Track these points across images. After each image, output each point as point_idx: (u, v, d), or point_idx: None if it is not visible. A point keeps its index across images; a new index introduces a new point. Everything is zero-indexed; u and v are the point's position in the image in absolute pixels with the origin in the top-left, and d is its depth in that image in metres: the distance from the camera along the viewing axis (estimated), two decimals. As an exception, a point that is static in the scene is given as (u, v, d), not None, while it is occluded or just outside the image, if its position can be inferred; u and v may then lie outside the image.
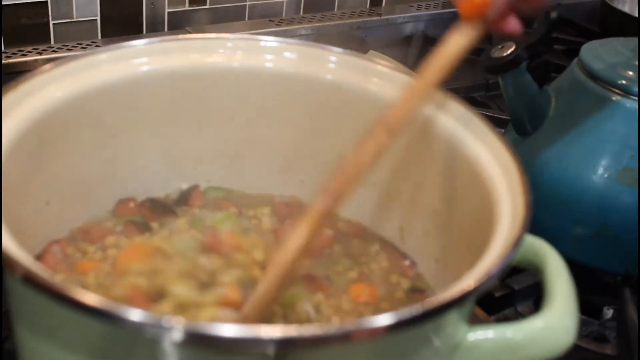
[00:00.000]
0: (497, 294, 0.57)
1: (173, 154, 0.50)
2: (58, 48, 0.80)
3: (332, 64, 0.49)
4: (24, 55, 0.78)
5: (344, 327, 0.29)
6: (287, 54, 0.49)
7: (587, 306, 0.60)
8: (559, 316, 0.35)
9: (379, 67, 0.48)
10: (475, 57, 0.83)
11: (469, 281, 0.32)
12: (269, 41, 0.49)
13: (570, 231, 0.59)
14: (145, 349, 0.30)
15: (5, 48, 0.77)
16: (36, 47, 0.79)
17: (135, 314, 0.28)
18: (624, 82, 0.57)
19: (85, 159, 0.46)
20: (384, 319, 0.29)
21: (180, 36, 0.49)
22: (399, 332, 0.30)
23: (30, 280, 0.29)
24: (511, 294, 0.57)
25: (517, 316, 0.58)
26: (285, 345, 0.28)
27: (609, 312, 0.61)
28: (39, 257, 0.44)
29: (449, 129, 0.44)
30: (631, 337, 0.54)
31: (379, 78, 0.48)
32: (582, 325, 0.59)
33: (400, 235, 0.49)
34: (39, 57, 0.78)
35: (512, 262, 0.34)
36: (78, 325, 0.31)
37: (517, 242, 0.34)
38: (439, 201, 0.46)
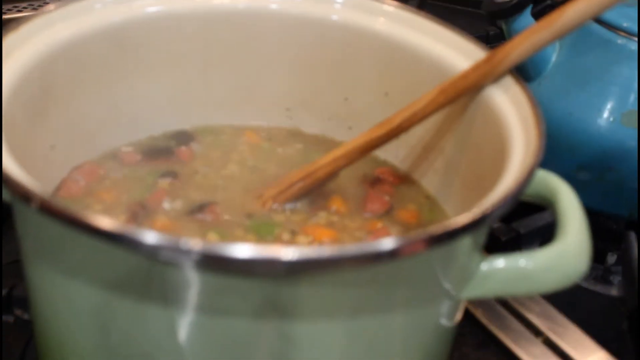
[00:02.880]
0: (504, 238, 0.57)
1: (178, 99, 0.49)
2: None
3: (338, 4, 0.48)
4: (20, 11, 0.77)
5: (362, 247, 0.29)
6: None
7: (592, 252, 0.60)
8: (572, 245, 0.35)
9: (385, 7, 0.47)
10: (474, 9, 0.83)
11: (484, 205, 0.31)
12: (273, -18, 0.49)
13: (574, 176, 0.58)
14: (162, 277, 0.30)
15: (-1, 4, 0.77)
16: (31, 2, 0.78)
17: (151, 237, 0.28)
18: (628, 24, 0.57)
19: (89, 103, 0.45)
20: (399, 241, 0.29)
21: (186, -23, 0.48)
22: (415, 256, 0.30)
23: (47, 209, 0.29)
24: (517, 238, 0.57)
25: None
26: (301, 266, 0.28)
27: (613, 258, 0.62)
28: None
29: (459, 65, 0.44)
30: (635, 279, 0.54)
31: (386, 17, 0.47)
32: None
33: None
34: (34, 12, 0.76)
35: (525, 190, 0.34)
36: (95, 254, 0.31)
37: (532, 170, 0.34)
38: (450, 140, 0.45)
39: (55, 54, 0.42)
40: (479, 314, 0.53)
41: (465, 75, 0.42)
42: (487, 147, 0.42)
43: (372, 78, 0.49)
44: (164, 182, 0.45)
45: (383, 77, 0.49)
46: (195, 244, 0.27)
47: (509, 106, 0.40)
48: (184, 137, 0.49)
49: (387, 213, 0.45)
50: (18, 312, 0.50)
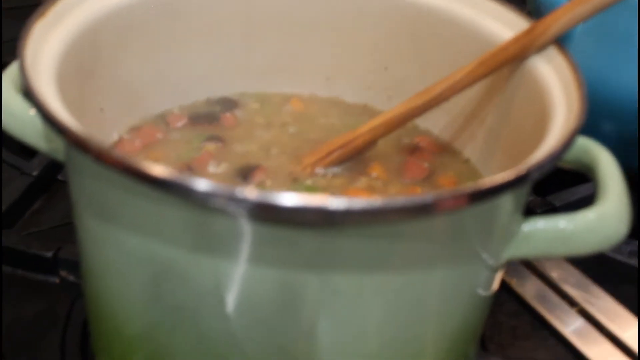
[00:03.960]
0: (539, 211, 0.57)
1: (221, 66, 0.50)
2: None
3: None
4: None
5: (409, 199, 0.29)
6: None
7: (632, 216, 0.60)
8: (612, 207, 0.35)
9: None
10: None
11: (527, 164, 0.32)
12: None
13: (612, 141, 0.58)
14: (214, 226, 0.31)
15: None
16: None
17: (204, 184, 0.28)
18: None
19: (136, 68, 0.47)
20: (441, 194, 0.30)
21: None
22: (458, 211, 0.31)
23: (104, 157, 0.30)
24: (552, 211, 0.58)
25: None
26: (348, 216, 0.29)
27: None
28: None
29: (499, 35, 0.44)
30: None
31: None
32: (623, 244, 0.59)
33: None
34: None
35: (566, 152, 0.34)
36: (149, 205, 0.32)
37: (574, 132, 0.35)
38: (491, 110, 0.46)
39: (104, 20, 0.43)
40: (514, 284, 0.53)
41: (505, 47, 0.42)
42: (529, 116, 0.42)
43: (411, 48, 0.50)
44: (210, 146, 0.47)
45: (422, 47, 0.49)
46: (247, 191, 0.28)
47: (551, 74, 0.41)
48: (227, 104, 0.51)
49: (427, 179, 0.46)
50: (63, 273, 0.52)
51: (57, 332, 0.48)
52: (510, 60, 0.42)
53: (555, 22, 0.41)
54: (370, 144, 0.46)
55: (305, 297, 0.33)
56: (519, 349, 0.50)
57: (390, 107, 0.46)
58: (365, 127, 0.45)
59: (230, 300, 0.33)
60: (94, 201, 0.35)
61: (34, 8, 0.39)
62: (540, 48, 0.42)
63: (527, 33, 0.42)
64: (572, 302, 0.52)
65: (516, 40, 0.42)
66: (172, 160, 0.45)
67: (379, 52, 0.51)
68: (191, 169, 0.44)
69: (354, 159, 0.46)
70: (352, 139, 0.46)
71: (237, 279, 0.33)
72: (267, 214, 0.30)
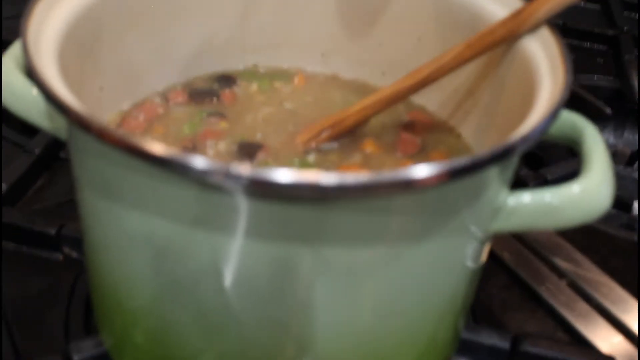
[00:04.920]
0: (531, 184, 0.58)
1: (219, 42, 0.51)
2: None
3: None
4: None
5: (398, 174, 0.30)
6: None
7: (618, 201, 0.62)
8: (596, 181, 0.36)
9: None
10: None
11: (512, 138, 0.33)
12: None
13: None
14: (211, 202, 0.32)
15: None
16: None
17: (201, 162, 0.29)
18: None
19: (135, 47, 0.47)
20: (428, 169, 0.30)
21: None
22: (444, 185, 0.32)
23: (105, 136, 0.31)
24: (544, 184, 0.59)
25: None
26: (339, 191, 0.30)
27: (637, 207, 0.63)
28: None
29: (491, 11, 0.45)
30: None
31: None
32: (613, 217, 0.61)
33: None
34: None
35: (550, 125, 0.35)
36: (150, 182, 0.33)
37: (557, 106, 0.35)
38: (483, 87, 0.47)
39: (100, 2, 0.44)
40: (505, 257, 0.55)
41: (492, 30, 0.43)
42: (518, 91, 0.43)
43: (405, 24, 0.51)
44: (210, 122, 0.48)
45: (416, 23, 0.50)
46: (242, 168, 0.29)
47: (539, 50, 0.41)
48: (226, 81, 0.52)
49: (419, 153, 0.47)
50: (66, 250, 0.53)
51: (60, 308, 0.49)
52: (498, 44, 0.43)
53: (542, 5, 0.42)
54: (361, 123, 0.47)
55: (299, 271, 0.34)
56: (510, 320, 0.51)
57: (385, 83, 0.47)
58: (356, 107, 0.47)
59: (227, 275, 0.35)
60: (95, 179, 0.36)
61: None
62: (528, 31, 0.42)
63: (514, 17, 0.43)
64: (561, 274, 0.54)
65: (503, 23, 0.43)
66: (175, 135, 0.46)
67: (373, 28, 0.52)
68: (195, 144, 0.46)
69: (347, 136, 0.47)
70: (343, 118, 0.47)
71: (234, 253, 0.34)
72: (261, 190, 0.31)
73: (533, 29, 0.42)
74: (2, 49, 0.40)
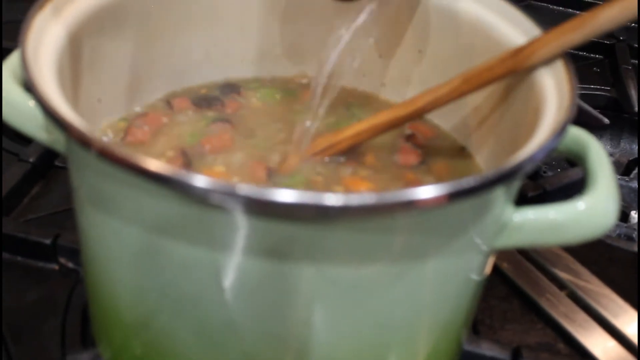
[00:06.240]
0: (530, 194, 0.58)
1: (218, 52, 0.51)
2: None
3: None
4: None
5: (402, 195, 0.30)
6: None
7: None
8: (601, 199, 0.36)
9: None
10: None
11: (518, 157, 0.33)
12: None
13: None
14: (211, 220, 0.32)
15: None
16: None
17: (201, 180, 0.29)
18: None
19: (133, 58, 0.47)
20: (434, 190, 0.30)
21: None
22: (450, 204, 0.31)
23: (106, 154, 0.30)
24: (543, 195, 0.59)
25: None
26: (342, 211, 0.30)
27: (635, 216, 0.63)
28: None
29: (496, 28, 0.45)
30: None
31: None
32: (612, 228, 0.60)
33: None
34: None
35: (556, 145, 0.35)
36: (149, 198, 0.32)
37: (563, 125, 0.35)
38: (486, 101, 0.47)
39: (100, 12, 0.44)
40: (505, 268, 0.54)
41: (490, 67, 0.42)
42: (524, 110, 0.42)
43: (405, 35, 0.50)
44: (215, 129, 0.48)
45: (416, 35, 0.50)
46: (244, 188, 0.29)
47: (546, 71, 0.41)
48: (228, 88, 0.52)
49: (420, 165, 0.47)
50: (62, 260, 0.52)
51: (57, 319, 0.49)
52: (494, 81, 0.43)
53: (542, 47, 0.41)
54: (355, 146, 0.47)
55: (301, 288, 0.34)
56: (510, 332, 0.51)
57: (384, 94, 0.47)
58: (350, 132, 0.46)
59: (228, 290, 0.34)
60: (94, 193, 0.36)
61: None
62: (526, 71, 0.42)
63: (513, 55, 0.42)
64: (561, 285, 0.53)
65: (502, 61, 0.42)
66: (175, 146, 0.46)
67: (374, 39, 0.51)
68: (195, 153, 0.45)
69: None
70: (336, 143, 0.46)
71: (235, 270, 0.33)
72: (263, 210, 0.30)
73: (532, 68, 0.41)
74: (1, 57, 0.39)
